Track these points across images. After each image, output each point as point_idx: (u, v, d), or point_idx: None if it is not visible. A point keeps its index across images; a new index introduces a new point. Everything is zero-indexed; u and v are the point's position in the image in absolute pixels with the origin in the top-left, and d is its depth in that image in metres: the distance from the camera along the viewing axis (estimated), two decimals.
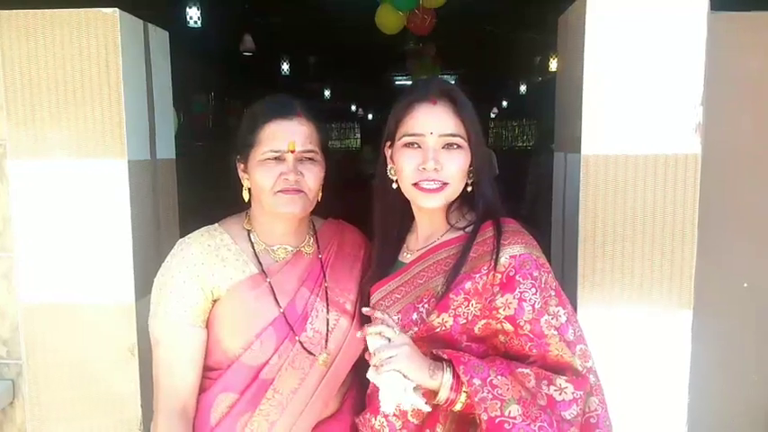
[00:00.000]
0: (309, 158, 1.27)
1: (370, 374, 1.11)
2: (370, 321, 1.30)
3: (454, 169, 1.17)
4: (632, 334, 1.48)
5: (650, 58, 1.42)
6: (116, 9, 1.50)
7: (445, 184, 1.17)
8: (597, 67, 1.43)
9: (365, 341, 1.23)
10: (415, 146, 1.18)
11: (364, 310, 1.22)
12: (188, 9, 5.55)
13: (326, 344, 1.30)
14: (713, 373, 1.56)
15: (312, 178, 1.26)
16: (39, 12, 1.49)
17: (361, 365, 1.37)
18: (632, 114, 1.44)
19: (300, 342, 1.27)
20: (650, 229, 1.46)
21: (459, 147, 1.18)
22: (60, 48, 1.50)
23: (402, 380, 1.07)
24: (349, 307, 1.34)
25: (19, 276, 1.58)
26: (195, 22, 5.63)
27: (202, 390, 1.28)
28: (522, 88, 10.86)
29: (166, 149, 1.80)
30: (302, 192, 1.25)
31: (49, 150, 1.53)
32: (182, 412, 1.25)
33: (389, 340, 1.10)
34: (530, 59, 8.25)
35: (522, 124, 14.22)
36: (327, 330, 1.31)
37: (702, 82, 1.41)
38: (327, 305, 1.32)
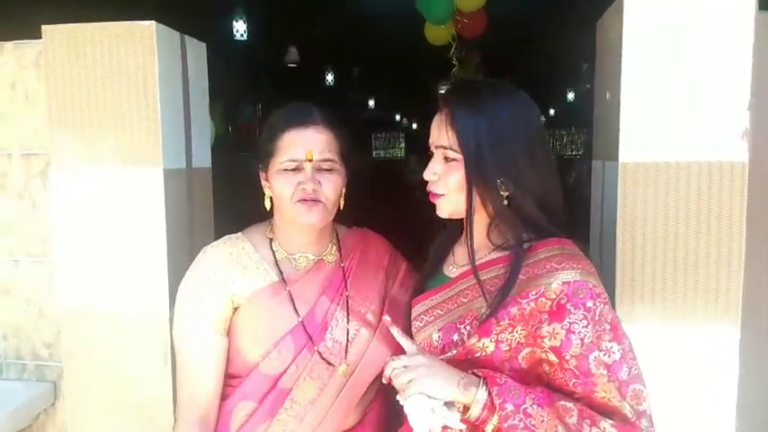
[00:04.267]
0: (327, 168, 1.26)
1: (400, 399, 1.07)
2: (399, 323, 1.27)
3: (451, 182, 1.14)
4: (675, 352, 1.40)
5: (693, 60, 1.35)
6: (153, 21, 1.53)
7: (440, 195, 1.16)
8: (636, 71, 1.37)
9: (389, 351, 1.21)
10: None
11: (385, 319, 1.18)
12: (234, 23, 5.70)
13: (346, 354, 1.28)
14: (763, 388, 1.46)
15: (330, 187, 1.25)
16: (80, 26, 1.54)
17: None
18: (673, 120, 1.37)
19: (319, 352, 1.26)
20: (694, 241, 1.38)
21: (453, 160, 1.14)
22: (100, 60, 1.55)
23: (428, 401, 1.01)
24: (370, 317, 1.32)
25: (59, 282, 1.63)
26: (242, 36, 5.77)
27: (224, 397, 1.29)
28: (570, 96, 10.65)
29: (202, 158, 1.83)
30: (320, 202, 1.24)
31: (88, 159, 1.58)
32: (202, 420, 1.25)
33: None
34: (577, 66, 8.08)
35: (571, 133, 13.95)
36: (347, 341, 1.29)
37: (749, 85, 1.33)
38: (348, 315, 1.30)
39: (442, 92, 1.20)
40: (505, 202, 1.13)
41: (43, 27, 1.56)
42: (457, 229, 1.28)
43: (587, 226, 1.77)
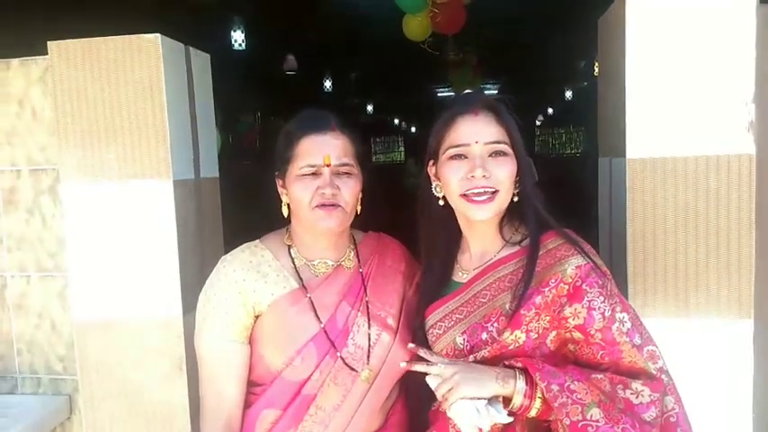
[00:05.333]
0: (345, 172, 1.27)
1: (447, 412, 1.11)
2: (415, 336, 1.29)
3: (503, 175, 1.16)
4: (687, 346, 1.41)
5: (696, 55, 1.36)
6: (158, 34, 1.55)
7: (495, 192, 1.16)
8: (640, 67, 1.39)
9: (409, 354, 1.22)
10: (462, 157, 1.17)
11: (409, 346, 1.21)
12: (232, 33, 5.73)
13: (368, 359, 1.28)
14: None
15: (348, 192, 1.26)
16: (86, 40, 1.56)
17: (405, 381, 1.35)
18: (679, 115, 1.38)
19: (342, 357, 1.26)
20: (704, 235, 1.39)
21: (505, 154, 1.17)
22: (106, 73, 1.56)
23: (470, 402, 1.06)
24: (391, 321, 1.32)
25: (72, 294, 1.64)
26: (240, 45, 5.80)
27: (247, 405, 1.29)
28: (568, 94, 10.69)
29: (210, 168, 1.84)
30: (339, 206, 1.25)
31: (98, 173, 1.59)
32: (226, 428, 1.26)
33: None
34: (574, 64, 8.12)
35: (570, 131, 13.98)
36: (369, 345, 1.29)
37: (753, 78, 1.34)
38: (369, 320, 1.30)
39: (475, 97, 1.21)
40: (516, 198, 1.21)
41: (49, 43, 1.58)
42: (454, 237, 1.30)
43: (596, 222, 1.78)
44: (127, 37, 1.55)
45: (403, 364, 1.19)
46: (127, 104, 1.56)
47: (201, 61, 1.79)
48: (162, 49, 1.54)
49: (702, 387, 1.41)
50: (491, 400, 1.07)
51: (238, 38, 5.79)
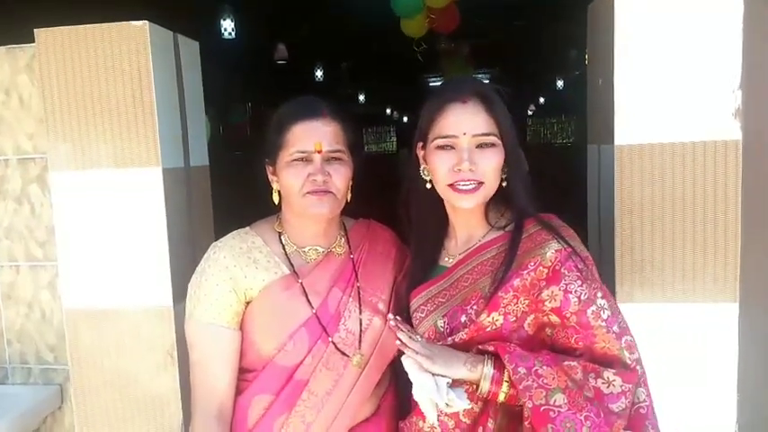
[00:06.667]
0: (337, 158, 1.27)
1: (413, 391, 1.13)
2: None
3: (489, 168, 1.16)
4: (675, 331, 1.43)
5: (684, 41, 1.37)
6: (146, 21, 1.53)
7: (480, 183, 1.16)
8: (628, 54, 1.39)
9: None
10: (449, 147, 1.17)
11: (389, 318, 1.20)
12: (222, 21, 5.68)
13: (360, 344, 1.29)
14: (764, 369, 1.49)
15: (340, 178, 1.26)
16: (73, 28, 1.54)
17: (397, 367, 1.37)
18: (667, 101, 1.39)
19: (333, 342, 1.27)
20: (690, 220, 1.41)
21: (492, 145, 1.17)
22: (94, 61, 1.55)
23: (431, 378, 1.07)
24: (382, 307, 1.33)
25: (62, 284, 1.64)
26: (230, 34, 5.75)
27: (239, 392, 1.29)
28: (560, 83, 10.70)
29: (199, 157, 1.84)
30: (330, 192, 1.25)
31: (87, 161, 1.58)
32: (218, 414, 1.26)
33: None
34: (565, 53, 8.11)
35: (561, 120, 13.99)
36: (360, 330, 1.30)
37: (740, 65, 1.35)
38: (360, 305, 1.31)
39: (465, 84, 1.20)
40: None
41: (36, 30, 1.56)
42: (442, 221, 1.30)
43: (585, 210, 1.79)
44: (115, 24, 1.53)
45: (391, 317, 1.19)
46: (115, 92, 1.55)
47: (190, 49, 1.78)
48: (150, 36, 1.53)
49: (688, 369, 1.43)
50: (456, 387, 1.09)
51: (228, 26, 5.74)
